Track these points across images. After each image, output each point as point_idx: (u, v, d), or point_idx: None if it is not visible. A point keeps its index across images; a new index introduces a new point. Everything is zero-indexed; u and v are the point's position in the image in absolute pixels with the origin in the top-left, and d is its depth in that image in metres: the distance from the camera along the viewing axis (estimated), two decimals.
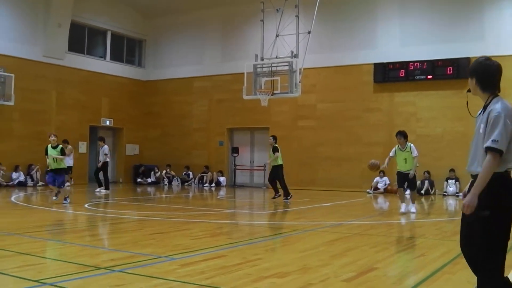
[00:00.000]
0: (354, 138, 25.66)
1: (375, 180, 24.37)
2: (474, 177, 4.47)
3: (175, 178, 29.54)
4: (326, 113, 26.50)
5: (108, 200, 18.89)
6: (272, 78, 23.45)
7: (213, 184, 28.51)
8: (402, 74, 24.50)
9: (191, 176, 29.56)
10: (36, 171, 25.98)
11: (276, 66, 23.37)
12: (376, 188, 24.23)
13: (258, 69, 23.62)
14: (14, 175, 25.25)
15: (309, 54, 23.48)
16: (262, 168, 27.95)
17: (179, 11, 30.96)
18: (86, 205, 15.90)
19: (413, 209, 14.53)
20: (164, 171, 29.82)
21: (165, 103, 31.54)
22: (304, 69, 23.25)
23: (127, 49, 32.75)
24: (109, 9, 30.66)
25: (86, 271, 6.48)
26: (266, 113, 26.57)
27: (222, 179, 28.77)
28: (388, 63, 24.92)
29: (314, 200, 18.87)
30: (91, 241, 9.30)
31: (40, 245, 8.51)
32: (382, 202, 20.27)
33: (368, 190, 24.15)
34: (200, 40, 30.89)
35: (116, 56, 31.82)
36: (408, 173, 14.59)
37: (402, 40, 25.01)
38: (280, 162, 19.58)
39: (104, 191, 21.58)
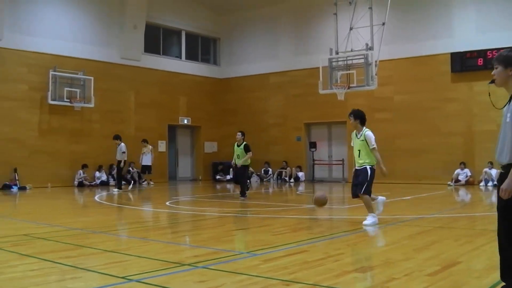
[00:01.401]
0: (432, 129, 25.17)
1: (456, 172, 23.89)
2: (504, 167, 4.59)
3: (254, 174, 29.67)
4: (403, 105, 26.09)
5: (189, 197, 19.13)
6: (348, 72, 23.27)
7: (292, 180, 28.50)
8: (480, 62, 23.83)
9: (270, 172, 29.63)
10: (132, 169, 26.79)
11: (352, 59, 23.17)
12: (457, 181, 23.72)
13: (333, 63, 23.49)
14: (97, 174, 25.93)
15: (384, 46, 23.19)
16: (341, 162, 27.81)
17: (252, 6, 31.06)
18: (167, 203, 16.15)
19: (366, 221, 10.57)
20: None
21: (241, 99, 31.71)
22: (380, 61, 22.97)
23: (202, 48, 33.10)
24: (183, 9, 31.03)
25: (170, 267, 6.56)
26: (342, 106, 26.29)
27: (300, 174, 28.74)
28: (465, 52, 24.30)
29: (394, 194, 18.58)
30: (174, 238, 9.43)
31: (125, 243, 8.70)
32: (463, 194, 19.78)
33: (449, 183, 23.66)
34: (273, 35, 30.91)
35: (191, 55, 32.20)
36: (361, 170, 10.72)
37: (479, 27, 24.32)
38: (249, 161, 18.47)
39: (117, 190, 21.58)
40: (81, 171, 25.18)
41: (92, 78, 25.94)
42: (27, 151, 24.01)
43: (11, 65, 24.04)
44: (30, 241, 8.73)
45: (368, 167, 10.59)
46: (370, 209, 10.64)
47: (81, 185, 24.85)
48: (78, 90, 25.60)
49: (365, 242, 8.80)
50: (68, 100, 25.19)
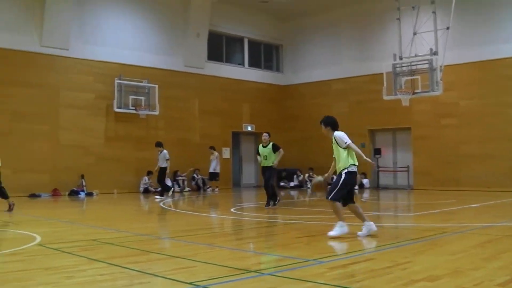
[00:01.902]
0: (498, 135, 24.58)
1: None
2: None
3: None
4: (468, 110, 25.56)
5: (253, 204, 19.16)
6: (412, 77, 22.99)
7: (356, 186, 28.24)
8: None
9: (334, 178, 29.38)
10: (197, 175, 27.09)
11: (416, 65, 22.90)
12: None
13: (397, 69, 23.24)
14: None
15: (449, 51, 22.84)
16: (406, 169, 27.44)
17: (314, 13, 31.01)
18: (232, 209, 16.20)
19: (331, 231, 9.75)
20: (307, 174, 29.90)
21: (304, 106, 31.64)
22: (444, 66, 22.62)
23: (265, 55, 33.21)
24: (245, 16, 31.21)
25: (237, 274, 6.56)
26: (407, 112, 26.03)
27: (365, 181, 28.47)
28: None
29: (460, 201, 18.20)
30: (240, 245, 9.44)
31: (191, 249, 8.74)
32: None
33: None
34: (336, 41, 30.80)
35: (254, 62, 32.34)
36: (333, 177, 10.37)
37: None
38: (276, 163, 17.07)
39: (159, 197, 21.39)
40: (146, 178, 25.55)
41: (156, 86, 26.34)
42: (94, 158, 24.53)
43: (78, 74, 24.63)
44: (99, 246, 8.87)
45: (343, 172, 9.80)
46: (338, 216, 9.77)
47: (146, 191, 25.20)
48: (143, 98, 26.03)
49: (433, 251, 8.62)
50: (134, 108, 25.62)
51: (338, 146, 9.83)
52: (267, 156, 16.80)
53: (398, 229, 12.22)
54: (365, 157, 9.86)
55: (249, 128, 31.10)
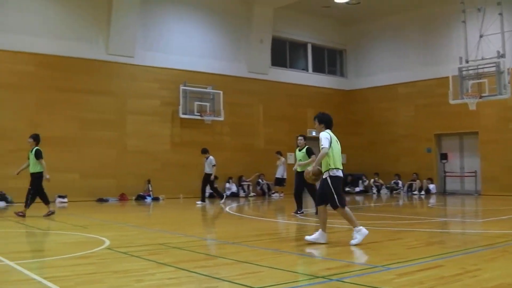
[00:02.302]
0: None
1: None
2: None
3: (383, 187, 29.26)
4: None
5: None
6: (479, 81, 22.53)
7: (423, 192, 27.84)
8: None
9: (400, 184, 29.08)
10: (261, 180, 27.18)
11: (483, 68, 22.43)
12: None
13: (464, 72, 22.81)
14: (227, 186, 26.41)
15: None
16: (473, 174, 26.89)
17: (378, 17, 30.75)
18: (296, 215, 16.14)
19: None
20: (372, 180, 29.64)
21: (369, 111, 31.39)
22: None
23: (328, 60, 33.09)
24: (308, 21, 31.17)
25: (304, 279, 6.53)
26: (473, 116, 25.51)
27: (431, 186, 28.01)
28: None
29: None
30: (306, 250, 9.40)
31: (257, 254, 8.74)
32: None
33: None
34: (400, 45, 30.45)
35: (318, 68, 32.26)
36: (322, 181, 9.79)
37: None
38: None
39: (200, 203, 21.41)
40: None
41: (221, 92, 26.56)
42: (160, 163, 24.87)
43: (144, 81, 25.06)
44: (166, 250, 8.96)
45: (327, 177, 9.50)
46: (352, 223, 9.63)
47: (211, 196, 25.33)
48: (208, 104, 26.27)
49: (504, 258, 8.39)
50: (199, 114, 25.89)
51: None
52: (302, 159, 15.80)
53: (466, 235, 11.95)
54: (313, 164, 9.81)
55: (314, 134, 30.95)
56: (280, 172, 26.29)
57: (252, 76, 28.59)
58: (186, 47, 26.61)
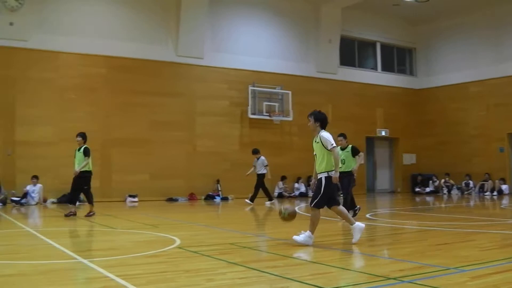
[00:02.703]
0: None
1: None
2: None
3: (454, 187, 28.70)
4: None
5: (388, 210, 18.83)
6: None
7: (495, 193, 27.17)
8: None
9: (471, 184, 28.47)
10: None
11: None
12: None
13: None
14: (296, 186, 26.38)
15: None
16: None
17: (447, 16, 30.20)
18: (367, 215, 15.98)
19: (298, 236, 9.48)
20: (443, 180, 29.11)
21: (439, 110, 30.86)
22: None
23: (398, 59, 32.67)
24: (377, 21, 30.85)
25: (376, 281, 6.43)
26: None
27: (504, 187, 27.30)
28: None
29: None
30: (377, 251, 9.27)
31: (328, 254, 8.67)
32: None
33: None
34: (471, 43, 29.83)
35: (387, 67, 31.91)
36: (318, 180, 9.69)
37: None
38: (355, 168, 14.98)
39: (269, 202, 21.35)
40: (280, 183, 25.75)
41: (290, 92, 26.56)
42: (229, 163, 25.01)
43: (213, 82, 25.28)
44: (237, 250, 8.99)
45: (323, 176, 9.43)
46: (312, 227, 9.49)
47: (280, 196, 25.39)
48: (276, 104, 26.31)
49: None
50: (267, 114, 25.93)
51: (323, 147, 9.46)
52: (345, 160, 14.75)
53: None
54: (336, 168, 9.46)
55: (383, 133, 30.67)
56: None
57: (320, 76, 28.49)
58: (254, 48, 26.72)
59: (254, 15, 27.12)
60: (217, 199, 23.89)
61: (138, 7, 24.25)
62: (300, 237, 9.28)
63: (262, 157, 21.82)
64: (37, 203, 20.96)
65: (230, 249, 9.12)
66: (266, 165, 21.70)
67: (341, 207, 9.78)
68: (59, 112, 22.51)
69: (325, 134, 9.53)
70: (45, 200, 21.59)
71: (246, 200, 21.68)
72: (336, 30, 28.80)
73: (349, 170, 14.50)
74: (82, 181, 15.56)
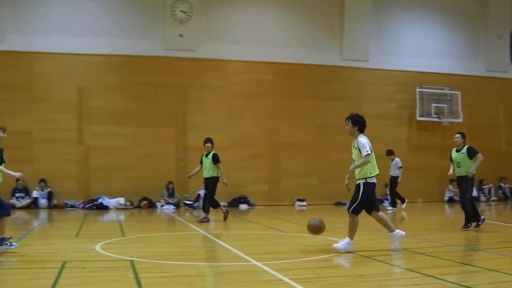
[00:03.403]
0: None
1: None
2: None
3: None
4: None
5: None
6: None
7: None
8: None
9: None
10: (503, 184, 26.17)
11: None
12: None
13: None
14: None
15: None
16: None
17: None
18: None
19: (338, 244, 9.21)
20: None
21: None
22: None
23: None
24: None
25: None
26: None
27: None
28: None
29: None
30: None
31: (507, 262, 8.32)
32: None
33: None
34: None
35: None
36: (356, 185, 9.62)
37: None
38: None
39: (391, 208, 20.71)
40: (451, 186, 25.01)
41: (459, 92, 25.74)
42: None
43: (379, 85, 25.13)
44: (410, 256, 8.85)
45: (361, 182, 9.29)
46: (351, 233, 9.21)
47: (451, 200, 24.67)
48: (445, 106, 25.67)
49: None
50: (436, 116, 25.31)
51: (360, 153, 9.41)
52: (461, 163, 13.29)
53: None
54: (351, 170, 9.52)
55: None
56: None
57: (490, 74, 27.31)
58: (420, 49, 26.19)
59: (419, 15, 26.59)
60: (386, 203, 23.56)
61: (302, 14, 24.65)
62: (340, 245, 9.09)
63: (397, 159, 21.31)
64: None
65: (403, 254, 8.99)
66: (400, 167, 21.15)
67: (381, 214, 9.45)
68: (227, 118, 23.39)
69: (362, 140, 9.50)
70: None
71: (388, 208, 21.41)
72: (506, 25, 27.50)
73: (466, 174, 13.10)
74: (210, 186, 15.60)
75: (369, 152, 9.36)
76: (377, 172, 9.47)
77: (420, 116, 25.28)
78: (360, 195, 9.28)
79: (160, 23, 23.28)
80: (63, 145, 21.99)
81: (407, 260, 8.40)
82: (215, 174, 15.54)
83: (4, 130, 9.20)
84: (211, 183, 15.58)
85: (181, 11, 22.88)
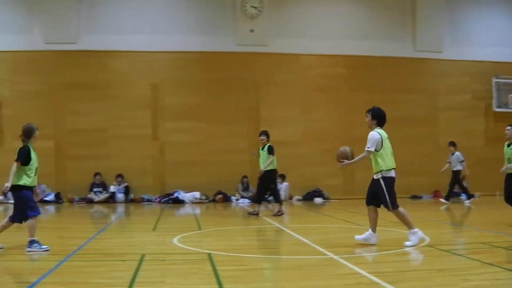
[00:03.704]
0: None
1: None
2: None
3: None
4: None
5: None
6: None
7: None
8: None
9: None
10: None
11: None
12: None
13: None
14: None
15: None
16: None
17: None
18: None
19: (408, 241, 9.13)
20: None
21: None
22: None
23: None
24: None
25: None
26: None
27: None
28: None
29: None
30: None
31: None
32: None
33: None
34: None
35: None
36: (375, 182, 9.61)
37: None
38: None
39: (446, 201, 20.15)
40: None
41: None
42: (474, 159, 23.94)
43: (453, 76, 24.61)
44: (490, 250, 8.68)
45: (380, 178, 9.32)
46: (408, 224, 9.29)
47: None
48: None
49: None
50: None
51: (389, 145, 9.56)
52: (511, 158, 12.99)
53: None
54: (349, 162, 9.69)
55: None
56: None
57: None
58: (496, 38, 25.44)
59: (493, 2, 25.85)
60: (463, 197, 23.06)
61: (374, 6, 24.34)
62: (410, 242, 9.02)
63: (457, 152, 20.74)
64: (283, 200, 21.84)
65: (482, 248, 8.83)
66: (462, 161, 20.60)
67: (401, 209, 9.41)
68: (302, 112, 23.33)
69: (372, 134, 9.47)
70: (291, 198, 22.40)
71: (441, 199, 20.95)
72: None
73: None
74: (268, 180, 15.64)
75: (370, 148, 9.34)
76: (392, 166, 9.55)
77: (497, 107, 24.64)
78: (385, 192, 9.30)
79: (231, 19, 23.43)
80: (138, 141, 22.42)
81: (488, 254, 8.22)
82: (271, 167, 15.55)
83: (37, 129, 9.20)
84: (269, 176, 15.60)
85: (252, 6, 22.96)
